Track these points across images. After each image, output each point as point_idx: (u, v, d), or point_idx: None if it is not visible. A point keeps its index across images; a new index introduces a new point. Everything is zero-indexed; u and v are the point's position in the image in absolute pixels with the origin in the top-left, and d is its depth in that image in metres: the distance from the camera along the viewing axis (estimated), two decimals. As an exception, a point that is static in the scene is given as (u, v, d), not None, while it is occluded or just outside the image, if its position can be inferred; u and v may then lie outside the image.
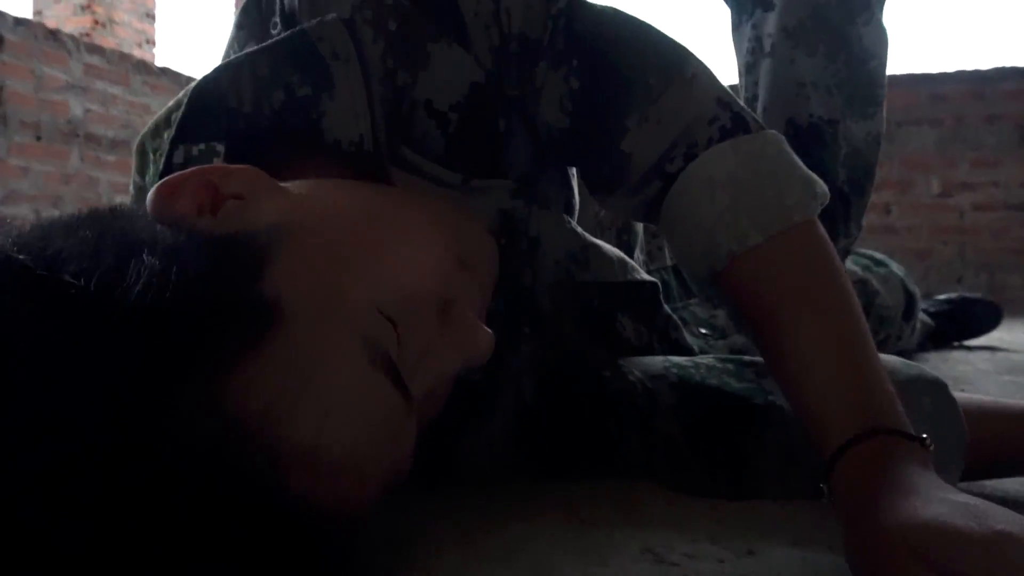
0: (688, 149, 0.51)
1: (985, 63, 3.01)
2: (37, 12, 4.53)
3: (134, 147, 0.50)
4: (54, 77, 2.70)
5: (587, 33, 0.52)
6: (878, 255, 1.22)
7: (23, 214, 2.63)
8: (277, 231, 0.34)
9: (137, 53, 4.65)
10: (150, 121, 0.47)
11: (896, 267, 1.21)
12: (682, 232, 0.52)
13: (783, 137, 0.55)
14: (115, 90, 2.94)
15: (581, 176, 0.58)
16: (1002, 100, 2.91)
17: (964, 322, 1.60)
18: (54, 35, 2.70)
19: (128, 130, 3.01)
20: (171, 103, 0.45)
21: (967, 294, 1.63)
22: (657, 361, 0.57)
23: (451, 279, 0.39)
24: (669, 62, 0.53)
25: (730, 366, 0.57)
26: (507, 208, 0.53)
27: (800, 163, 0.53)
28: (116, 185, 2.96)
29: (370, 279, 0.35)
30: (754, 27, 0.87)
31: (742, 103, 0.54)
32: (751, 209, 0.49)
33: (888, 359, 0.55)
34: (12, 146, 2.57)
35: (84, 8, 4.40)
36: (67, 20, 4.42)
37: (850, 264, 1.10)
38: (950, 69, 2.99)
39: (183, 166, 0.45)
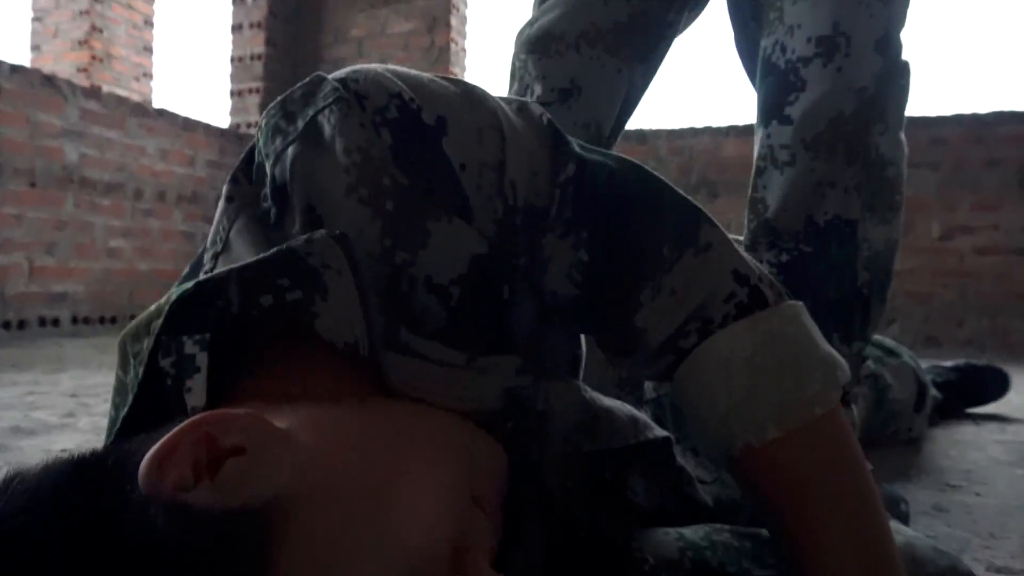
0: (703, 324, 0.49)
1: (984, 107, 3.01)
2: (35, 47, 4.53)
3: (118, 340, 0.47)
4: (49, 123, 2.68)
5: (597, 200, 0.50)
6: (889, 343, 1.20)
7: (16, 262, 2.60)
8: (282, 506, 0.32)
9: (135, 87, 4.66)
10: (132, 323, 0.44)
11: (908, 356, 1.18)
12: (695, 412, 0.50)
13: (802, 307, 0.52)
14: (111, 134, 2.92)
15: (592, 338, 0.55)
16: (1001, 144, 2.91)
17: (972, 390, 1.58)
18: (50, 80, 2.68)
19: (123, 173, 2.99)
20: (152, 309, 0.42)
21: (974, 361, 1.60)
22: (671, 540, 0.55)
23: (464, 523, 0.37)
24: (683, 228, 0.50)
25: (747, 544, 0.54)
26: (513, 386, 0.50)
27: (822, 341, 0.50)
28: (111, 229, 2.93)
29: (381, 554, 0.33)
30: (768, 136, 0.86)
31: (760, 270, 0.52)
32: (769, 400, 0.47)
33: (919, 547, 0.53)
34: (6, 194, 2.54)
35: (82, 43, 4.39)
36: (65, 55, 4.42)
37: (860, 356, 1.08)
38: (948, 112, 2.99)
39: (170, 361, 0.43)
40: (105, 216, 2.91)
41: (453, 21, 3.78)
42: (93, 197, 2.86)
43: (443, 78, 0.52)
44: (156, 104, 4.74)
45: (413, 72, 0.51)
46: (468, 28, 3.93)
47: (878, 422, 1.09)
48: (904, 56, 0.85)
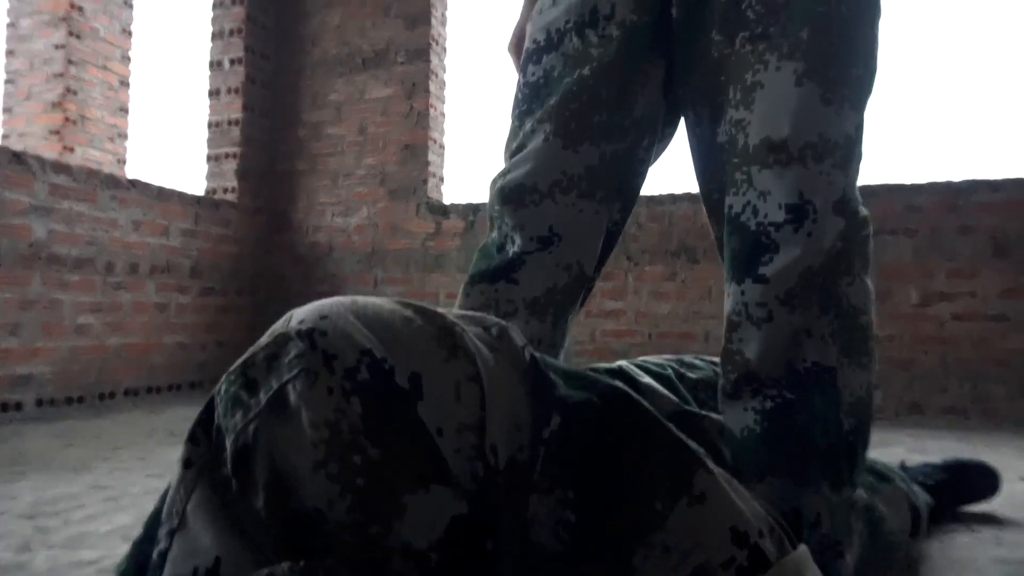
0: None
1: (957, 175, 3.06)
2: (7, 109, 4.48)
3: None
4: (17, 201, 2.62)
5: (583, 453, 0.46)
6: (880, 465, 1.17)
7: (-22, 346, 2.51)
8: None
9: (109, 147, 4.61)
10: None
11: (899, 479, 1.16)
12: None
13: (806, 555, 0.49)
14: (81, 208, 2.87)
15: None
16: (975, 212, 2.95)
17: (963, 490, 1.55)
18: (18, 157, 2.63)
19: (93, 247, 2.93)
20: None
21: (963, 458, 1.58)
22: None
23: None
24: (676, 476, 0.47)
25: None
26: None
27: None
28: (79, 306, 2.85)
29: None
30: (743, 293, 0.86)
31: (760, 517, 0.48)
32: None
33: None
34: (-31, 276, 2.46)
35: (55, 105, 4.35)
36: (37, 118, 4.37)
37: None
38: (923, 180, 3.03)
39: None
40: (73, 293, 2.83)
41: (432, 87, 3.79)
42: (62, 274, 2.79)
43: (418, 311, 0.49)
44: (131, 164, 4.70)
45: (385, 309, 0.48)
46: (447, 92, 3.95)
47: (875, 558, 1.05)
48: (860, 209, 0.87)
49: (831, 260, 0.83)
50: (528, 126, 0.93)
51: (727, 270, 0.89)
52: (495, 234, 0.97)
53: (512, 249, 0.94)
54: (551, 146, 0.90)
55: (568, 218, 0.92)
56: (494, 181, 0.96)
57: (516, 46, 1.12)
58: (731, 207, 0.86)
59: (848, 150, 0.83)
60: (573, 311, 0.99)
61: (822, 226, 0.81)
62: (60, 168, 2.80)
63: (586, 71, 0.89)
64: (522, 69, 0.96)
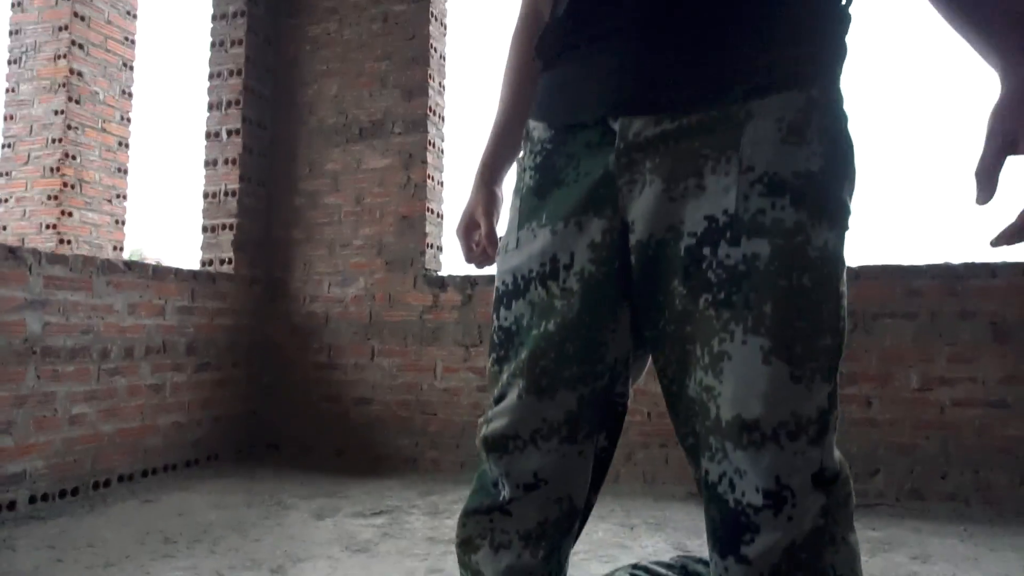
0: None
1: (957, 257, 3.05)
2: (4, 174, 4.48)
3: None
4: (11, 298, 2.60)
5: None
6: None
7: (-30, 448, 2.49)
8: None
9: (107, 208, 4.62)
10: None
11: None
12: None
13: None
14: (77, 297, 2.85)
15: None
16: (974, 296, 2.94)
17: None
18: (13, 253, 2.62)
19: (89, 335, 2.91)
20: None
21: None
22: None
23: None
24: None
25: None
26: None
27: None
28: (73, 396, 2.83)
29: None
30: (726, 570, 0.85)
31: None
32: None
33: None
34: (-39, 379, 2.45)
35: (54, 171, 4.35)
36: (36, 182, 4.37)
37: None
38: (922, 263, 3.02)
39: None
40: (68, 384, 2.81)
41: (429, 157, 3.80)
42: (56, 366, 2.77)
43: None
44: (129, 227, 4.70)
45: None
46: (444, 162, 3.95)
47: None
48: (841, 470, 0.85)
49: (814, 535, 0.81)
50: (505, 377, 0.94)
51: (708, 536, 0.88)
52: (489, 472, 0.97)
53: (503, 493, 0.95)
54: (526, 403, 0.92)
55: (552, 463, 0.92)
56: (480, 426, 0.97)
57: (465, 230, 1.15)
58: (707, 472, 0.85)
59: (822, 422, 0.81)
60: (568, 541, 0.99)
61: (802, 508, 0.80)
62: (55, 259, 2.79)
63: (551, 326, 0.89)
64: (494, 311, 0.98)
